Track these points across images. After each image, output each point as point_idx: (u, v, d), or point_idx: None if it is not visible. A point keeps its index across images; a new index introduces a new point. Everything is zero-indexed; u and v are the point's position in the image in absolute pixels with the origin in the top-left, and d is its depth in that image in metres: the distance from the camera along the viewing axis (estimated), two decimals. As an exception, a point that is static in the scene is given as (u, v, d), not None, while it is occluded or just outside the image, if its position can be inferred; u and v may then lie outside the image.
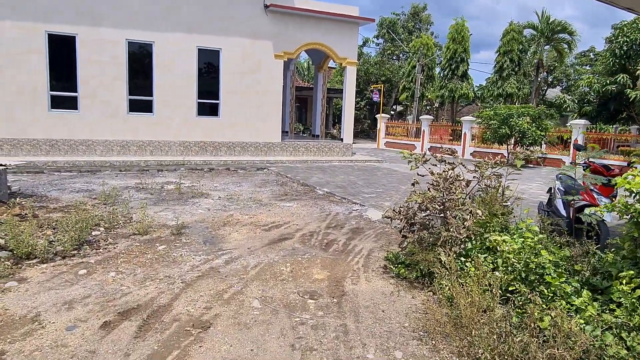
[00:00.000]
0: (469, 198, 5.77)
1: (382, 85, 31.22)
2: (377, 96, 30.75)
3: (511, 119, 18.55)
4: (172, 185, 10.58)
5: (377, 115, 30.16)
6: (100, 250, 5.80)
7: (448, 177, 5.10)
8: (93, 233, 6.38)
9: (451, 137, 25.61)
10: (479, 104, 39.42)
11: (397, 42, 36.37)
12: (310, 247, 6.32)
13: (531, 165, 19.97)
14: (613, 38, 18.25)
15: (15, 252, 5.36)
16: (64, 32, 13.92)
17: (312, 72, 50.52)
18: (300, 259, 5.74)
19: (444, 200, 5.11)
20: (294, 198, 9.80)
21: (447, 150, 5.78)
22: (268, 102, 16.92)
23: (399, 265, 5.21)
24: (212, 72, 16.13)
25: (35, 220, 6.73)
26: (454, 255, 4.73)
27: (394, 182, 12.61)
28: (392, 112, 40.35)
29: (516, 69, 26.30)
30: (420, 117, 26.46)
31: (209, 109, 16.18)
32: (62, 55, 14.02)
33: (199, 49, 15.66)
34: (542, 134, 18.68)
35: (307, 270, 5.35)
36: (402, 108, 44.14)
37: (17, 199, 8.36)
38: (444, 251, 4.73)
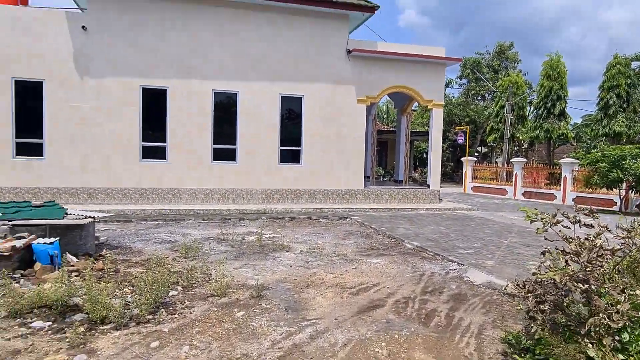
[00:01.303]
0: (618, 270, 4.55)
1: (467, 127, 29.75)
2: (462, 138, 29.29)
3: (624, 161, 16.38)
4: (253, 236, 10.17)
5: (462, 158, 28.61)
6: (176, 315, 5.30)
7: (593, 245, 4.00)
8: (170, 293, 5.97)
9: (548, 181, 23.37)
10: (574, 144, 36.26)
11: (482, 81, 34.91)
12: (407, 319, 5.37)
13: (651, 214, 17.37)
14: None
15: (90, 315, 5.03)
16: (157, 85, 14.61)
17: (392, 115, 50.10)
18: (397, 337, 4.82)
19: (586, 274, 3.99)
20: (381, 253, 8.92)
21: (585, 211, 4.66)
22: (350, 148, 16.43)
23: (526, 356, 4.11)
24: (294, 119, 16.05)
25: (115, 278, 6.49)
26: (608, 349, 3.59)
27: (491, 235, 11.27)
28: (477, 154, 38.34)
29: (624, 105, 23.72)
30: (512, 160, 24.57)
31: (291, 156, 16.01)
32: (153, 107, 14.66)
33: (281, 96, 15.71)
34: (664, 177, 16.24)
35: (407, 354, 4.41)
36: (486, 150, 41.87)
37: (104, 250, 8.34)
38: (591, 342, 3.61)
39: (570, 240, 4.46)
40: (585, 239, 4.17)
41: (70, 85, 13.95)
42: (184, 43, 14.73)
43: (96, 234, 9.31)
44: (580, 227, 4.64)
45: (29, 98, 13.79)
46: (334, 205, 15.91)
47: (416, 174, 32.86)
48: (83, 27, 13.92)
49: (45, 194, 13.93)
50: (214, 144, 15.23)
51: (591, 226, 4.57)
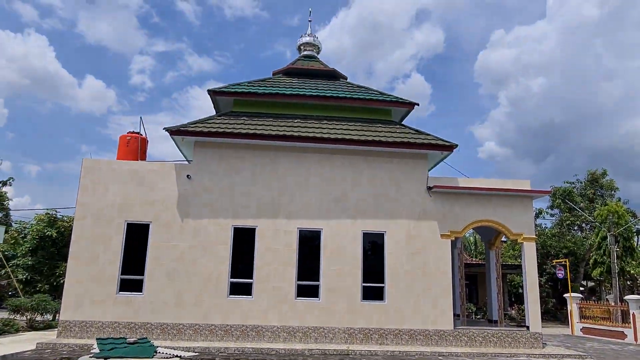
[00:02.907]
0: None
1: (567, 260, 27.46)
2: (562, 272, 26.90)
3: None
4: (334, 383, 9.61)
5: (565, 295, 25.93)
6: None
7: None
8: None
9: (676, 323, 20.10)
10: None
11: (577, 211, 32.96)
12: None
13: None
14: None
15: None
16: (247, 225, 15.65)
17: (481, 246, 47.95)
18: None
19: None
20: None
21: None
22: (436, 285, 15.75)
23: None
24: (376, 255, 16.01)
25: None
26: None
27: (611, 392, 9.62)
28: (583, 290, 34.57)
29: None
30: (627, 297, 21.80)
31: (373, 293, 15.63)
32: (243, 245, 15.53)
33: (363, 233, 15.97)
34: None
35: None
36: (593, 284, 37.69)
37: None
38: None
39: None
40: None
41: (172, 226, 15.41)
42: (272, 185, 16.01)
43: (181, 375, 9.38)
44: None
45: (136, 239, 15.33)
46: (421, 348, 14.79)
47: (513, 311, 30.05)
48: (188, 176, 15.80)
49: (139, 329, 14.59)
50: (298, 280, 15.44)
51: None
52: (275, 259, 15.50)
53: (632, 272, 26.70)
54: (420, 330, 15.38)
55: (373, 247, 16.09)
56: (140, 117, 17.79)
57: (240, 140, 15.93)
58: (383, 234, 16.05)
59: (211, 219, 15.58)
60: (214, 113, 18.61)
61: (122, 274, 15.02)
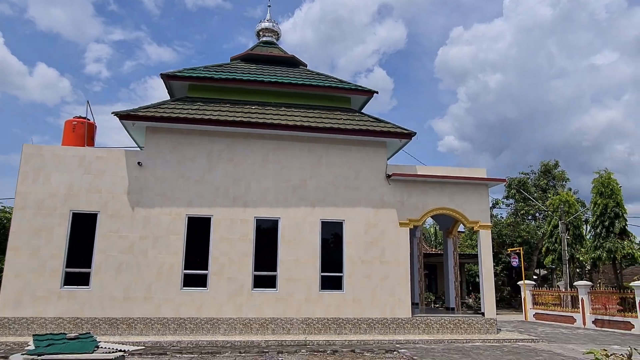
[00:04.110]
0: None
1: (521, 249, 28.23)
2: (517, 260, 27.68)
3: None
4: (289, 374, 9.33)
5: (519, 282, 26.68)
6: None
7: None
8: None
9: (621, 307, 21.00)
10: (645, 265, 33.24)
11: (530, 201, 34.01)
12: None
13: None
14: None
15: None
16: (202, 214, 15.08)
17: (440, 237, 48.87)
18: None
19: None
20: (431, 395, 7.82)
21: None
22: (395, 273, 15.72)
23: None
24: (335, 244, 15.81)
25: None
26: None
27: (561, 373, 9.80)
28: (536, 277, 35.79)
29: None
30: (576, 283, 22.60)
31: (332, 283, 15.44)
32: (197, 235, 14.97)
33: (322, 221, 15.72)
34: None
35: None
36: (545, 272, 39.11)
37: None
38: None
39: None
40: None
41: (122, 216, 14.65)
42: (228, 173, 15.49)
43: (125, 370, 8.85)
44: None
45: (82, 229, 14.49)
46: (379, 336, 14.74)
47: (470, 300, 30.71)
48: (139, 163, 15.04)
49: (85, 325, 13.83)
50: (254, 270, 15.04)
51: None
52: (232, 249, 15.03)
53: (581, 259, 27.73)
54: (379, 319, 15.33)
55: (332, 236, 15.88)
56: (87, 101, 16.82)
57: (194, 126, 15.31)
58: (342, 222, 15.85)
59: (164, 208, 14.92)
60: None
61: (66, 267, 14.16)
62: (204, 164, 15.43)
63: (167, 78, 16.56)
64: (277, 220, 15.51)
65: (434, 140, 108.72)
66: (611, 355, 3.78)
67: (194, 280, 14.70)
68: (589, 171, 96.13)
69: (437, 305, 26.43)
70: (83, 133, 15.95)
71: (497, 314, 17.19)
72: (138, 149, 16.74)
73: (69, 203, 14.49)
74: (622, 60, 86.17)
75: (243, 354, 11.82)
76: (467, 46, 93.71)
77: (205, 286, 14.68)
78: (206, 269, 14.79)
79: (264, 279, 15.10)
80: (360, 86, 17.96)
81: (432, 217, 17.83)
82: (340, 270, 15.51)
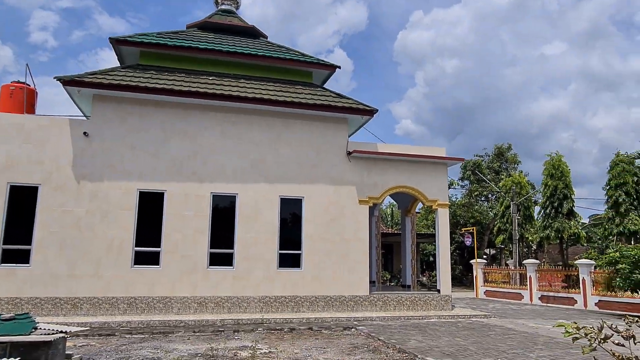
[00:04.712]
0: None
1: (474, 228, 29.05)
2: (470, 240, 28.43)
3: (646, 262, 15.42)
4: (246, 352, 9.02)
5: (471, 261, 27.48)
6: None
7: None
8: None
9: (565, 284, 22.04)
10: (585, 244, 35.14)
11: (484, 182, 34.96)
12: None
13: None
14: None
15: None
16: (154, 189, 14.32)
17: (396, 217, 49.67)
18: None
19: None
20: (391, 372, 7.74)
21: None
22: (354, 251, 15.63)
23: None
24: (294, 222, 15.49)
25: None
26: None
27: (515, 348, 10.01)
28: (486, 256, 37.14)
29: (635, 203, 23.23)
30: (525, 262, 23.47)
31: (290, 261, 15.16)
32: (149, 211, 14.22)
33: (281, 198, 15.33)
34: (692, 278, 15.14)
35: None
36: (495, 251, 40.65)
37: (72, 373, 7.24)
38: None
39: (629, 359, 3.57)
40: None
41: (67, 189, 13.67)
42: (183, 146, 14.73)
43: (69, 352, 8.23)
44: (635, 343, 3.78)
45: (21, 203, 13.42)
46: (337, 314, 14.67)
47: (424, 278, 31.43)
48: (85, 133, 14.02)
49: (26, 305, 12.91)
50: (210, 248, 14.51)
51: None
52: (186, 225, 14.40)
53: (530, 238, 28.89)
54: (337, 297, 15.24)
55: (291, 213, 15.53)
56: (27, 65, 15.41)
57: (147, 95, 14.39)
58: (301, 199, 15.53)
59: (113, 181, 14.04)
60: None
61: (3, 244, 13.11)
62: (156, 136, 14.60)
63: (117, 43, 15.44)
64: (235, 196, 14.97)
65: (391, 124, 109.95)
66: (582, 328, 3.64)
67: (146, 258, 14.00)
68: (536, 157, 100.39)
69: (393, 284, 26.85)
70: (22, 99, 14.66)
71: (451, 292, 17.52)
72: (84, 118, 15.62)
73: (6, 175, 13.35)
74: (570, 52, 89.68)
75: (197, 333, 11.39)
76: (426, 31, 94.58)
77: (158, 264, 14.03)
78: (159, 246, 14.11)
79: (221, 257, 14.61)
80: (322, 60, 17.49)
81: (391, 195, 17.84)
82: (299, 248, 15.24)
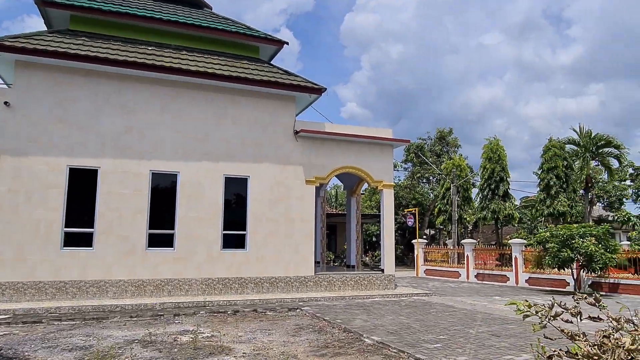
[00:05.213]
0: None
1: (416, 209, 29.84)
2: (412, 221, 29.20)
3: (573, 241, 16.41)
4: (187, 337, 8.63)
5: (413, 241, 28.26)
6: None
7: (616, 345, 3.13)
8: None
9: (499, 263, 23.20)
10: (516, 225, 37.22)
11: (427, 165, 35.92)
12: None
13: (603, 293, 17.21)
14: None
15: None
16: (86, 165, 13.30)
17: (341, 199, 50.13)
18: None
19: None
20: (337, 352, 7.67)
21: (588, 299, 3.86)
22: (299, 232, 15.44)
23: None
24: (239, 201, 15.04)
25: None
26: None
27: (456, 325, 10.30)
28: (425, 237, 38.45)
29: (564, 186, 24.75)
30: (463, 242, 24.43)
31: (235, 241, 14.74)
32: (81, 189, 13.22)
33: (225, 177, 14.78)
34: (613, 256, 16.31)
35: None
36: (434, 232, 42.19)
37: (-11, 366, 6.55)
38: None
39: (575, 337, 3.60)
40: (605, 336, 3.30)
41: (-16, 165, 12.38)
42: (119, 120, 13.76)
43: (-14, 343, 7.49)
44: (581, 320, 3.82)
45: None
46: (282, 295, 14.50)
47: (367, 258, 32.02)
48: (6, 103, 12.70)
49: (-63, 292, 11.67)
50: (149, 228, 13.77)
51: (598, 319, 3.76)
52: (123, 205, 13.54)
53: (468, 219, 30.11)
54: (282, 278, 15.05)
55: (235, 192, 15.05)
56: None
57: (78, 63, 13.22)
58: (247, 178, 15.06)
59: (39, 157, 12.87)
60: (44, 30, 15.19)
61: None
62: (89, 108, 13.51)
63: (44, 4, 14.02)
64: (176, 174, 14.25)
65: (337, 107, 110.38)
66: (534, 306, 3.62)
67: (78, 239, 13.05)
68: (473, 142, 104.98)
69: (337, 264, 27.13)
70: None
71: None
72: (5, 86, 14.16)
73: None
74: (506, 42, 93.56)
75: (135, 318, 10.80)
76: (372, 14, 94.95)
77: (91, 246, 13.13)
78: (92, 227, 13.19)
79: (161, 238, 13.92)
80: (270, 35, 16.87)
81: (337, 176, 17.78)
82: (244, 229, 14.83)
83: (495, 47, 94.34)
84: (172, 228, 14.03)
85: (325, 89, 15.74)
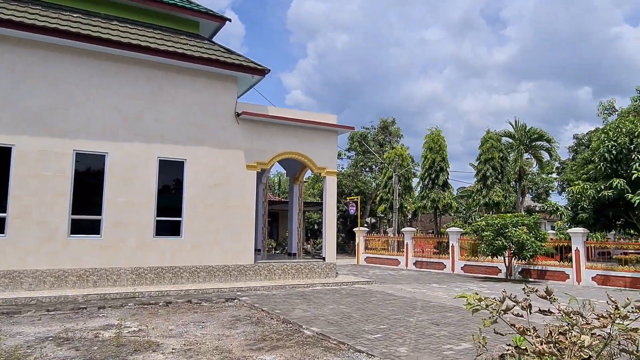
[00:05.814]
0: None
1: (358, 198, 29.97)
2: (354, 209, 29.29)
3: (506, 230, 16.99)
4: (110, 332, 7.88)
5: (354, 229, 28.37)
6: None
7: (572, 342, 2.92)
8: None
9: (437, 250, 23.77)
10: (452, 214, 38.57)
11: (369, 154, 36.17)
12: None
13: (532, 280, 18.04)
14: (602, 142, 17.75)
15: None
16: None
17: (284, 186, 49.60)
18: None
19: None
20: (275, 345, 7.26)
21: (539, 292, 3.68)
22: (239, 219, 14.82)
23: None
24: (174, 186, 14.16)
25: None
26: None
27: (396, 313, 10.22)
28: (367, 225, 38.93)
29: (499, 176, 25.74)
30: (403, 230, 24.78)
31: (169, 228, 13.88)
32: (-8, 169, 11.83)
33: (160, 160, 13.83)
34: (542, 244, 17.08)
35: None
36: (375, 220, 42.82)
37: None
38: None
39: (526, 332, 3.39)
40: (561, 333, 3.10)
41: None
42: (39, 94, 12.41)
43: None
44: (530, 312, 3.64)
45: None
46: (220, 284, 13.88)
47: (308, 246, 31.85)
48: None
49: None
50: (72, 214, 12.61)
51: (549, 312, 3.58)
52: (42, 187, 12.27)
53: (408, 208, 30.68)
54: (220, 267, 14.41)
55: (171, 176, 14.14)
56: None
57: (-12, 27, 11.73)
58: (183, 162, 14.19)
59: (-60, 131, 11.34)
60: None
61: None
62: (3, 79, 12.06)
63: (-53, -42, 12.28)
64: (105, 155, 13.12)
65: (281, 93, 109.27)
66: (484, 300, 3.37)
67: (-13, 225, 11.70)
68: (414, 134, 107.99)
69: (278, 252, 26.71)
70: None
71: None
72: None
73: None
74: (446, 38, 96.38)
75: (52, 312, 9.81)
76: (319, 2, 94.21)
77: (4, 232, 11.82)
78: (5, 212, 11.86)
79: (86, 224, 12.81)
80: (211, 10, 15.91)
81: (279, 162, 17.28)
82: (180, 215, 13.99)
83: (436, 43, 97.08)
84: (100, 214, 12.95)
85: (269, 70, 15.12)
